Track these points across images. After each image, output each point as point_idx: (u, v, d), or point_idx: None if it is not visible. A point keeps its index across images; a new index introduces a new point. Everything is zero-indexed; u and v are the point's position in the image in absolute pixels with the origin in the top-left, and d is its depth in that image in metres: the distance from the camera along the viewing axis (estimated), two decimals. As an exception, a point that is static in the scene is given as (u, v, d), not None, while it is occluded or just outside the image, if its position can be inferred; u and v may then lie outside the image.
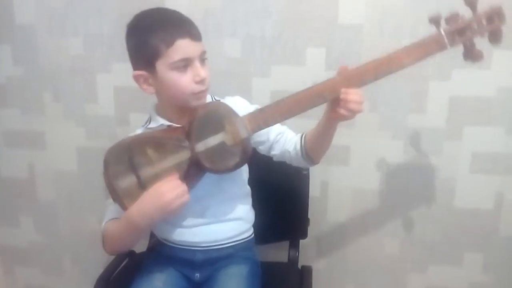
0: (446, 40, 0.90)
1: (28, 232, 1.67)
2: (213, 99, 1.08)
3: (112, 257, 1.57)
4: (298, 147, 1.04)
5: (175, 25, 0.95)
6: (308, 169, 1.28)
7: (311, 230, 1.34)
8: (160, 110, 1.05)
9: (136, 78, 0.99)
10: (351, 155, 1.38)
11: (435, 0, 1.25)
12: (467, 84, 1.29)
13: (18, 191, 1.64)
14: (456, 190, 1.37)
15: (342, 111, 0.90)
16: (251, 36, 1.36)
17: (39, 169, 1.61)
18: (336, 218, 1.45)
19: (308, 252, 1.46)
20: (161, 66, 0.95)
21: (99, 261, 1.63)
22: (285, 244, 1.33)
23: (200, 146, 0.93)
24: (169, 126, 1.01)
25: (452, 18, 0.90)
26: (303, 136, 1.05)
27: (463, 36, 0.90)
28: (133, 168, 0.94)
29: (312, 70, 1.35)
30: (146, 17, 0.98)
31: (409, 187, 1.39)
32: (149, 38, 0.94)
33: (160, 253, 1.10)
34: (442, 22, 0.91)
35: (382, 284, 1.48)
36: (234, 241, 1.08)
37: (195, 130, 0.94)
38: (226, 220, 1.07)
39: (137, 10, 1.38)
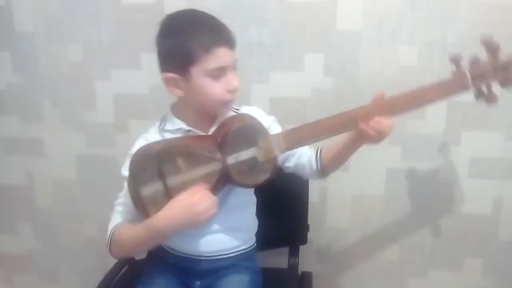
0: (470, 82, 0.94)
1: (27, 239, 1.67)
2: (232, 108, 1.06)
3: (111, 264, 1.58)
4: (313, 161, 1.05)
5: (215, 31, 0.94)
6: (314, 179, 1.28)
7: (310, 235, 1.34)
8: (179, 113, 1.03)
9: (166, 80, 0.97)
10: (350, 161, 1.36)
11: (431, 6, 1.27)
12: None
13: (16, 199, 1.64)
14: (455, 195, 1.38)
15: (372, 132, 0.92)
16: (250, 42, 1.37)
17: (38, 177, 1.61)
18: (336, 224, 1.45)
19: (307, 258, 1.45)
20: (196, 71, 0.93)
21: (97, 269, 1.62)
22: (285, 250, 1.32)
23: (231, 159, 0.93)
24: (188, 131, 1.00)
25: (474, 62, 0.95)
26: (319, 150, 1.06)
27: (484, 80, 0.95)
28: (161, 176, 0.91)
29: (310, 76, 1.36)
30: (184, 19, 0.96)
31: (408, 192, 1.40)
32: (187, 42, 0.92)
33: (162, 260, 1.08)
34: (462, 63, 0.95)
35: (382, 289, 1.48)
36: (237, 251, 1.07)
37: (228, 143, 0.93)
38: (231, 230, 1.06)
39: (135, 17, 1.40)
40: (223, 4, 1.35)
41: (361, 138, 0.97)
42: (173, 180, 0.92)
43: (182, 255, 1.06)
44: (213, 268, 1.06)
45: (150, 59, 1.39)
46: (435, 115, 1.33)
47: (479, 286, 1.42)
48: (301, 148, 1.07)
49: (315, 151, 1.07)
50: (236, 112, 1.05)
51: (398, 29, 1.30)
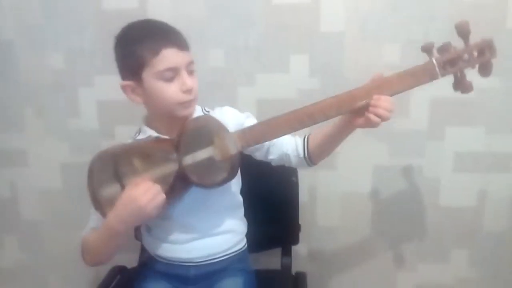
0: (437, 70, 0.90)
1: (13, 252, 1.63)
2: (203, 110, 1.07)
3: (101, 273, 1.56)
4: (300, 149, 1.03)
5: (161, 34, 0.95)
6: (297, 176, 1.29)
7: (301, 235, 1.35)
8: (149, 121, 1.04)
9: (123, 88, 0.99)
10: (338, 160, 1.40)
11: (413, 5, 1.29)
12: (448, 86, 1.33)
13: (0, 211, 1.60)
14: (440, 189, 1.41)
15: (371, 116, 0.88)
16: (235, 45, 1.37)
17: (22, 188, 1.57)
18: (326, 222, 1.47)
19: (300, 257, 1.47)
20: (147, 75, 0.94)
21: (87, 279, 1.61)
22: (277, 251, 1.33)
23: (188, 160, 0.92)
24: (157, 137, 1.00)
25: (445, 48, 0.91)
26: (306, 138, 1.04)
27: (455, 67, 0.91)
28: (118, 177, 0.92)
29: (296, 77, 1.37)
30: (133, 28, 0.98)
31: (395, 188, 1.42)
32: (135, 48, 0.93)
33: (153, 268, 1.08)
34: (434, 51, 0.92)
35: (373, 284, 1.50)
36: (227, 254, 1.07)
37: (183, 143, 0.93)
38: (217, 234, 1.06)
39: (117, 23, 1.38)
40: (209, 9, 1.35)
41: (355, 124, 0.93)
42: (130, 181, 0.92)
43: (172, 262, 1.05)
44: (205, 273, 1.06)
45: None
46: (418, 112, 1.36)
47: (466, 276, 1.46)
48: (281, 138, 1.02)
49: (302, 138, 1.04)
50: (206, 114, 1.06)
51: (380, 28, 1.32)
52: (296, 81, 1.37)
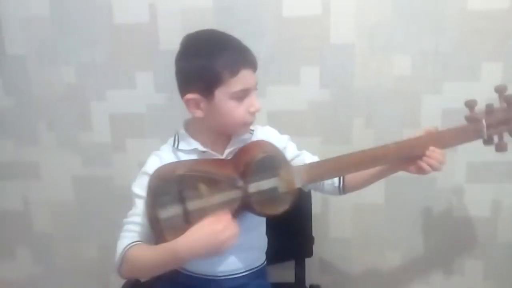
0: (485, 131, 0.97)
1: (25, 265, 1.64)
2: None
3: (112, 286, 1.56)
4: (336, 179, 1.06)
5: (240, 53, 0.94)
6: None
7: (314, 247, 1.35)
8: (193, 132, 1.02)
9: (187, 101, 0.95)
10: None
11: (422, 16, 1.29)
12: (459, 96, 1.32)
13: (13, 224, 1.61)
14: (454, 199, 1.40)
15: (424, 166, 0.96)
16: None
17: (35, 200, 1.59)
18: (338, 234, 1.46)
19: (313, 269, 1.46)
20: (220, 93, 0.92)
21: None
22: (291, 263, 1.33)
23: (253, 188, 0.92)
24: (203, 152, 0.99)
25: (490, 111, 0.97)
26: None
27: (497, 129, 0.97)
28: (181, 200, 0.90)
29: (306, 89, 1.37)
30: (208, 40, 0.96)
31: (407, 199, 1.41)
32: (213, 63, 0.91)
33: (172, 279, 1.06)
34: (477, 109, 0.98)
35: (386, 297, 1.50)
36: (248, 270, 1.07)
37: (250, 172, 0.92)
38: (243, 250, 1.04)
39: (128, 38, 1.40)
40: (218, 20, 1.36)
41: (400, 167, 1.00)
42: (193, 205, 0.90)
43: (194, 275, 1.04)
44: None
45: (145, 78, 1.42)
46: (430, 123, 1.34)
47: (481, 288, 1.45)
48: None
49: None
50: (251, 133, 1.05)
51: (390, 40, 1.32)
52: (306, 93, 1.37)
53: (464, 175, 1.37)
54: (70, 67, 1.45)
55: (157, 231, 0.91)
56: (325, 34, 1.33)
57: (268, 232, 1.15)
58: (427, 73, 1.33)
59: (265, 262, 1.13)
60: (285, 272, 1.34)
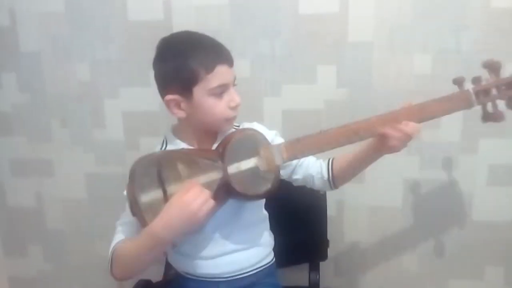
0: (474, 98, 0.95)
1: (37, 261, 1.64)
2: (233, 126, 1.05)
3: (125, 284, 1.54)
4: (325, 171, 1.04)
5: (215, 50, 0.94)
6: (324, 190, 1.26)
7: (329, 250, 1.32)
8: (179, 133, 1.02)
9: (167, 102, 0.96)
10: (366, 172, 1.35)
11: (444, 13, 1.26)
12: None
13: (26, 220, 1.61)
14: (474, 203, 1.36)
15: (398, 134, 0.92)
16: (261, 55, 1.35)
17: (47, 197, 1.58)
18: (353, 237, 1.43)
19: (326, 273, 1.43)
20: (198, 91, 0.92)
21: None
22: (304, 266, 1.30)
23: (233, 168, 0.92)
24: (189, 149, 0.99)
25: (478, 80, 0.96)
26: (331, 160, 1.05)
27: (488, 97, 0.95)
28: (161, 182, 0.89)
29: (323, 87, 1.34)
30: (182, 41, 0.96)
31: (426, 202, 1.38)
32: (189, 62, 0.91)
33: (181, 286, 1.06)
34: (466, 84, 0.97)
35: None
36: (256, 268, 1.05)
37: (229, 152, 0.92)
38: (246, 248, 1.04)
39: (142, 35, 1.39)
40: (234, 17, 1.34)
41: (379, 148, 0.96)
42: (173, 187, 0.89)
43: (201, 279, 1.03)
44: None
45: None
46: (451, 124, 1.31)
47: (502, 295, 1.41)
48: (308, 158, 1.06)
49: (327, 160, 1.06)
50: (236, 129, 1.04)
51: (410, 38, 1.28)
52: (323, 92, 1.35)
53: (485, 178, 1.33)
54: (84, 64, 1.44)
55: (139, 216, 0.89)
56: (343, 32, 1.30)
57: (282, 234, 1.14)
58: (448, 73, 1.28)
59: (274, 260, 1.12)
60: (299, 275, 1.31)
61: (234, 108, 0.96)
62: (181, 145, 1.00)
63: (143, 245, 0.89)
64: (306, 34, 1.32)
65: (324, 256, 1.28)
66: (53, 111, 1.50)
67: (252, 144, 0.94)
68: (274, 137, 1.06)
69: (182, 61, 0.92)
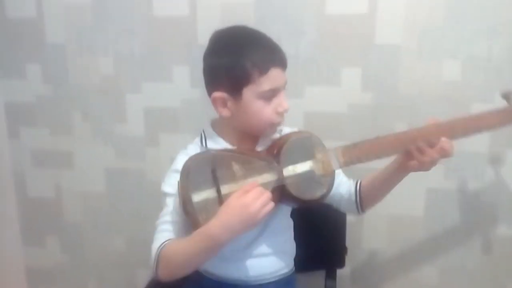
0: None
1: (54, 252, 1.65)
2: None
3: (139, 279, 1.54)
4: (353, 191, 1.01)
5: (270, 51, 0.90)
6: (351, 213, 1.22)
7: (347, 257, 1.29)
8: (220, 131, 0.99)
9: (214, 99, 0.93)
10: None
11: (476, 18, 1.21)
12: None
13: (45, 211, 1.63)
14: (499, 215, 1.30)
15: (426, 159, 0.90)
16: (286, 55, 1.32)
17: (67, 190, 1.59)
18: (372, 245, 1.40)
19: (343, 281, 1.39)
20: (248, 92, 0.89)
21: (125, 284, 1.61)
22: (320, 273, 1.27)
23: (288, 171, 0.89)
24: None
25: None
26: (359, 181, 1.03)
27: None
28: (215, 182, 0.87)
29: (347, 91, 1.31)
30: (239, 36, 0.92)
31: (449, 213, 1.33)
32: (242, 61, 0.87)
33: (199, 284, 1.04)
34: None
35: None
36: (276, 276, 1.02)
37: (285, 153, 0.90)
38: (269, 254, 1.01)
39: (168, 30, 1.38)
40: (258, 14, 1.32)
41: (406, 166, 0.93)
42: (227, 187, 0.87)
43: (219, 279, 1.01)
44: None
45: (182, 72, 1.40)
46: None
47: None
48: (340, 176, 1.04)
49: (355, 182, 1.03)
50: (279, 133, 1.00)
51: (440, 43, 1.24)
52: (347, 95, 1.32)
53: (513, 191, 1.28)
54: (108, 57, 1.44)
55: (191, 215, 0.86)
56: (370, 34, 1.27)
57: (300, 240, 1.11)
58: (479, 80, 1.24)
59: (294, 268, 1.09)
60: (315, 282, 1.28)
61: (281, 114, 0.93)
62: (222, 143, 0.97)
63: (198, 246, 0.85)
64: (331, 34, 1.29)
65: (341, 264, 1.25)
66: (75, 104, 1.51)
67: (308, 146, 0.91)
68: None
69: (236, 59, 0.88)
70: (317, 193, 0.91)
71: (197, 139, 1.01)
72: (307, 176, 0.90)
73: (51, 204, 1.61)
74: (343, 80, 1.31)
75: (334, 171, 0.92)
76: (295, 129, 1.03)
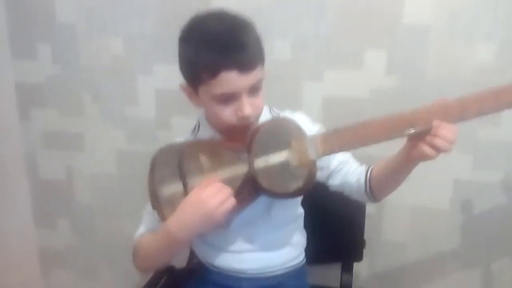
0: None
1: (65, 234, 1.64)
2: (272, 112, 0.96)
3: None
4: (363, 180, 0.92)
5: (225, 53, 0.79)
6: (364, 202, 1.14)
7: (365, 250, 1.22)
8: (210, 119, 0.94)
9: (182, 88, 0.90)
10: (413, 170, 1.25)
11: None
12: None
13: (56, 193, 1.60)
14: (531, 212, 1.22)
15: (426, 148, 0.75)
16: (303, 36, 1.25)
17: (77, 172, 1.56)
18: (392, 238, 1.33)
19: (359, 275, 1.34)
20: (203, 92, 0.84)
21: (135, 269, 1.58)
22: (336, 266, 1.22)
23: (260, 162, 0.81)
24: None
25: None
26: (370, 169, 0.92)
27: None
28: (181, 174, 0.83)
29: (370, 75, 1.23)
30: (202, 28, 0.84)
31: (476, 206, 1.26)
32: (192, 61, 0.83)
33: (202, 277, 1.00)
34: None
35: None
36: (283, 268, 0.98)
37: (257, 143, 0.82)
38: (274, 247, 0.96)
39: (181, 9, 1.30)
40: (276, -8, 1.24)
41: (415, 157, 0.80)
42: (194, 180, 0.83)
43: (224, 272, 0.97)
44: (257, 287, 0.97)
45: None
46: (511, 122, 1.17)
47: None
48: (349, 164, 0.95)
49: (366, 169, 0.93)
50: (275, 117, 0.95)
51: (473, 24, 1.15)
52: (370, 79, 1.23)
53: (548, 186, 1.19)
54: (119, 38, 1.39)
55: (158, 211, 0.85)
56: (398, 12, 1.18)
57: (314, 230, 1.05)
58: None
59: (304, 260, 1.04)
60: (330, 275, 1.23)
61: (242, 118, 0.83)
62: (210, 131, 0.92)
63: (159, 243, 0.85)
64: (354, 14, 1.21)
65: (359, 257, 1.19)
66: (86, 85, 1.46)
67: (284, 134, 0.82)
68: None
69: (189, 56, 0.83)
70: (291, 186, 0.81)
71: (194, 126, 0.98)
72: (281, 168, 0.81)
73: (62, 186, 1.58)
74: (366, 63, 1.23)
75: (313, 162, 0.82)
76: (288, 113, 0.96)
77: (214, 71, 0.79)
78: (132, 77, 1.41)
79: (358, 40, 1.22)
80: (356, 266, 1.24)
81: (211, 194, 0.78)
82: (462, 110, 0.77)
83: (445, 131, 0.74)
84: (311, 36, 1.24)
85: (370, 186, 0.92)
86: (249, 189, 0.84)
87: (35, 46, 1.46)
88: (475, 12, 1.14)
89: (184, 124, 1.39)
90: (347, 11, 1.21)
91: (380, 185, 0.91)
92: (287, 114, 0.96)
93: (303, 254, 1.04)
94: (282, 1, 1.24)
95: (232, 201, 0.80)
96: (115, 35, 1.38)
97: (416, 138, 0.77)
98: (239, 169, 0.83)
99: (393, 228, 1.32)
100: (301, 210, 1.03)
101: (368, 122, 0.80)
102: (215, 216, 0.78)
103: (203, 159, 0.83)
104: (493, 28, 1.14)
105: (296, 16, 1.24)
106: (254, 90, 0.84)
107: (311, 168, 0.82)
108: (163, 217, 0.84)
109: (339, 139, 0.82)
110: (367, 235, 1.23)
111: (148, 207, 0.92)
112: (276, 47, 1.26)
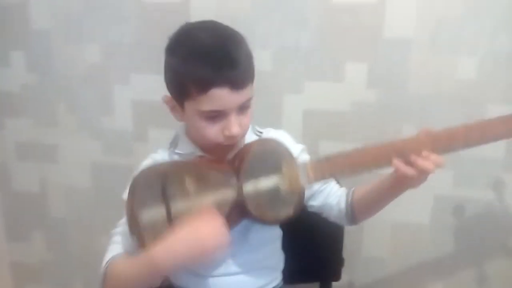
0: None
1: (39, 248, 1.58)
2: (255, 131, 0.93)
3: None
4: (343, 204, 0.90)
5: (217, 69, 0.76)
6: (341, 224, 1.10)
7: (343, 268, 1.19)
8: (191, 135, 0.90)
9: (164, 100, 0.86)
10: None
11: (499, 12, 1.10)
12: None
13: (29, 206, 1.55)
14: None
15: (411, 172, 0.75)
16: (285, 47, 1.22)
17: (52, 183, 1.51)
18: (373, 256, 1.31)
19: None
20: (189, 107, 0.80)
21: None
22: (314, 285, 1.18)
23: (249, 186, 0.78)
24: (201, 157, 0.87)
25: None
26: (351, 192, 0.90)
27: None
28: (164, 198, 0.77)
29: (351, 88, 1.21)
30: (193, 40, 0.80)
31: (457, 224, 1.24)
32: (181, 72, 0.79)
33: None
34: None
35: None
36: None
37: (246, 167, 0.78)
38: (251, 270, 0.92)
39: (160, 18, 1.28)
40: (256, 5, 1.21)
41: (403, 182, 0.79)
42: (178, 205, 0.77)
43: None
44: None
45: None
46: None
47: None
48: (331, 185, 0.93)
49: (346, 192, 0.91)
50: (259, 136, 0.92)
51: (456, 38, 1.13)
52: (350, 92, 1.21)
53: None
54: (95, 45, 1.35)
55: (137, 235, 0.78)
56: (379, 26, 1.16)
57: (290, 248, 1.01)
58: (497, 79, 1.13)
59: (281, 283, 1.00)
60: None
61: (229, 137, 0.80)
62: (190, 147, 0.88)
63: (139, 270, 0.76)
64: (336, 26, 1.18)
65: (337, 277, 1.15)
66: (61, 94, 1.41)
67: (274, 158, 0.80)
68: (300, 153, 0.92)
69: (178, 69, 0.79)
70: (281, 214, 0.79)
71: (168, 142, 0.93)
72: (271, 194, 0.79)
73: (36, 198, 1.53)
74: (347, 76, 1.21)
75: (303, 189, 0.80)
76: (272, 132, 0.93)
77: (204, 86, 0.76)
78: (108, 87, 1.37)
79: (339, 52, 1.20)
80: (336, 285, 1.21)
81: (211, 230, 0.73)
82: (450, 141, 0.79)
83: (435, 157, 0.75)
84: (292, 48, 1.22)
85: (351, 210, 0.89)
86: (237, 215, 0.80)
87: (8, 54, 1.42)
88: (457, 26, 1.12)
89: (161, 136, 1.35)
90: (329, 23, 1.19)
91: (362, 209, 0.89)
92: (271, 132, 0.94)
93: (280, 277, 1.00)
94: (263, 12, 1.21)
95: (227, 238, 0.74)
96: (91, 42, 1.35)
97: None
98: (227, 194, 0.79)
99: (374, 244, 1.29)
100: (279, 231, 0.99)
101: (358, 151, 0.80)
102: (207, 256, 0.73)
103: (189, 183, 0.79)
104: (475, 42, 1.12)
105: (277, 28, 1.22)
106: (243, 108, 0.81)
107: (301, 195, 0.80)
108: (142, 244, 0.77)
109: (330, 166, 0.81)
110: (347, 251, 1.19)
111: (121, 227, 0.87)
112: (257, 59, 1.21)
